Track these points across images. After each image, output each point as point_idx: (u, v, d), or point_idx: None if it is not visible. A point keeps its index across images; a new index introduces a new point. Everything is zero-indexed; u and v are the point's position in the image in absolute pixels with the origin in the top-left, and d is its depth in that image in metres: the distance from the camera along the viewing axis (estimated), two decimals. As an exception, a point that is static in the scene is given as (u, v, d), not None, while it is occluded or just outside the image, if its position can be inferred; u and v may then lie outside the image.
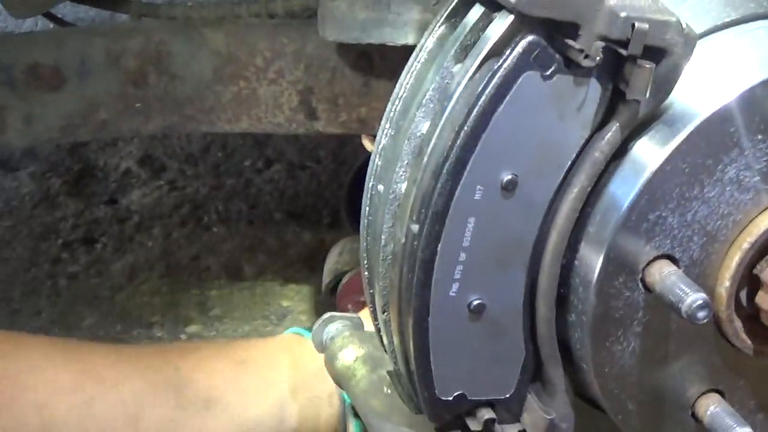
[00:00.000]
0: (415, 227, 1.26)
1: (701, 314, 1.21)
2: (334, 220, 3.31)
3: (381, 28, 1.68)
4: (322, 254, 2.76)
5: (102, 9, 2.52)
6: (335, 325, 1.52)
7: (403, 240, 1.29)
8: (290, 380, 1.99)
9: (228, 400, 1.96)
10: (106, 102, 2.35)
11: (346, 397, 1.79)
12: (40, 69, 2.34)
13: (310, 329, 1.71)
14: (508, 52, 1.21)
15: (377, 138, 1.35)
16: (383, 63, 2.01)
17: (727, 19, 1.34)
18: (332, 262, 2.69)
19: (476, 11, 1.28)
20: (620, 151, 1.27)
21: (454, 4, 1.31)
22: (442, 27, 1.32)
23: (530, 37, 1.21)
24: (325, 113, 2.16)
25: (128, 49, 2.33)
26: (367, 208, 1.37)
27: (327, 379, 1.76)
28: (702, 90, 1.27)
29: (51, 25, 2.55)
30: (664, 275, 1.26)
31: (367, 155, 1.40)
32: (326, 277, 2.67)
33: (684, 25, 1.19)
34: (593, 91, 1.23)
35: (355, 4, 1.72)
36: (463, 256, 1.26)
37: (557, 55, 1.21)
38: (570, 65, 1.22)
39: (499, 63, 1.22)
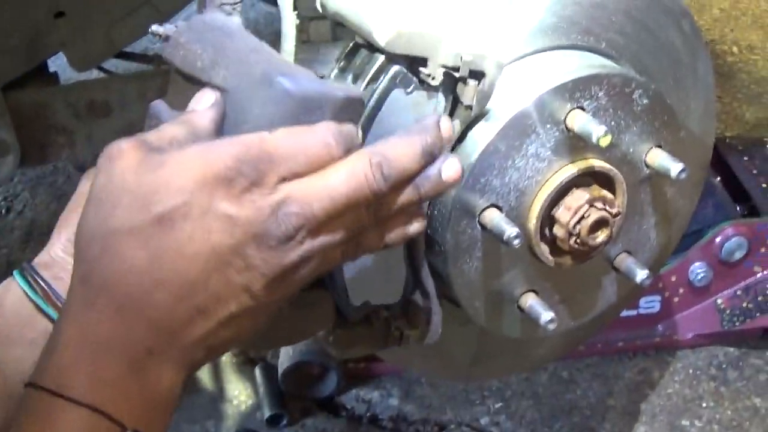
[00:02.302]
0: None
1: (515, 242, 1.25)
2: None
3: (312, 65, 1.67)
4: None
5: (134, 62, 2.54)
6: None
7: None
8: None
9: None
10: (139, 122, 2.35)
11: None
12: (95, 104, 2.35)
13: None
14: (381, 77, 1.23)
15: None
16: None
17: (534, 48, 1.36)
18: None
19: (363, 52, 1.29)
20: (461, 138, 1.29)
21: (349, 48, 1.31)
22: (342, 62, 1.32)
23: (395, 68, 1.22)
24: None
25: (151, 86, 2.35)
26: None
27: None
28: (512, 96, 1.29)
29: (98, 74, 2.55)
30: (492, 218, 1.29)
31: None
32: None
33: (496, 57, 1.21)
34: (440, 100, 1.24)
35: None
36: None
37: (414, 78, 1.23)
38: (423, 84, 1.23)
39: (377, 85, 1.23)
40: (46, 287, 1.17)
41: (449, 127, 1.10)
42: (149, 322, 0.96)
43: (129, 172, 0.98)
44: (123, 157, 0.99)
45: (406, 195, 1.06)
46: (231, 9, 1.24)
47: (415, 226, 1.11)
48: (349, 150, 1.03)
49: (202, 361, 1.02)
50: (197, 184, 0.96)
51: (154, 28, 1.21)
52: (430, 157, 1.07)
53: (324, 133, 1.02)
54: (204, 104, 1.07)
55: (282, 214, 0.98)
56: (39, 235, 3.11)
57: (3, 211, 3.29)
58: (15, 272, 1.20)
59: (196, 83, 1.10)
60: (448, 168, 1.08)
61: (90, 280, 0.97)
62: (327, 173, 1.01)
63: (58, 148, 2.37)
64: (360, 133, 1.09)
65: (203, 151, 0.99)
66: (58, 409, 0.93)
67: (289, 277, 1.01)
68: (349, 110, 1.08)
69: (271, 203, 0.98)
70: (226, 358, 2.58)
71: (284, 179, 0.99)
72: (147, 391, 0.96)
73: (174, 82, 1.15)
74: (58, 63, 2.49)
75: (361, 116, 1.12)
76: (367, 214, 1.04)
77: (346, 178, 1.01)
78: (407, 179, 1.06)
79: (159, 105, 1.14)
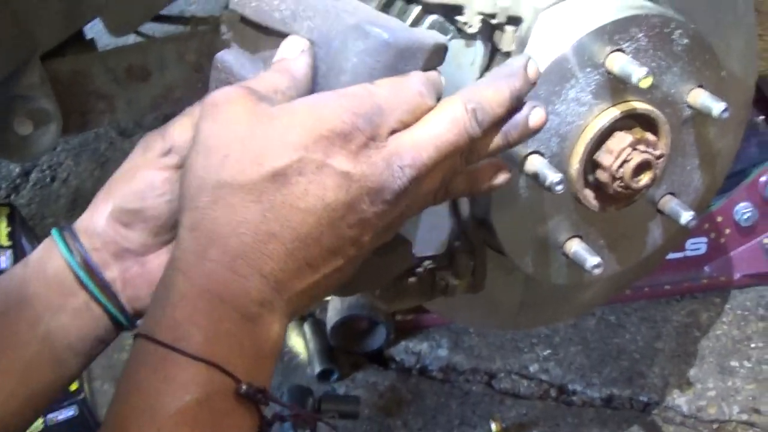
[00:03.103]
0: None
1: (558, 187, 1.24)
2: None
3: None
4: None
5: (171, 24, 2.53)
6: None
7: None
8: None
9: None
10: (178, 85, 2.37)
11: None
12: (134, 68, 2.35)
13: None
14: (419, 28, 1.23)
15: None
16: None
17: None
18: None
19: (399, 3, 1.28)
20: None
21: (384, 0, 1.30)
22: None
23: (432, 17, 1.22)
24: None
25: (189, 48, 2.34)
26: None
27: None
28: (550, 41, 1.28)
29: (135, 39, 2.55)
30: (535, 164, 1.28)
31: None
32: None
33: (532, 2, 1.20)
34: (478, 48, 1.24)
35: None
36: None
37: (452, 27, 1.23)
38: (461, 33, 1.23)
39: None
40: (86, 258, 1.17)
41: (536, 70, 1.10)
42: (262, 274, 0.96)
43: (239, 122, 0.98)
44: (231, 103, 0.99)
45: (496, 141, 1.08)
46: None
47: (502, 178, 1.13)
48: (438, 97, 1.05)
49: (303, 309, 1.03)
50: (312, 139, 0.97)
51: None
52: (517, 102, 1.08)
53: (417, 83, 1.04)
54: (294, 51, 1.07)
55: (397, 168, 0.99)
56: (84, 203, 3.08)
57: (48, 179, 3.31)
58: (55, 234, 1.20)
59: (273, 35, 1.10)
60: (535, 116, 1.09)
61: (200, 228, 0.97)
62: (430, 122, 1.02)
63: (98, 115, 2.38)
64: (443, 78, 1.10)
65: (316, 105, 1.00)
66: (174, 364, 0.93)
67: (395, 224, 1.05)
68: (437, 56, 1.09)
69: (385, 157, 0.99)
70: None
71: (394, 131, 1.01)
72: (258, 343, 0.97)
73: (241, 34, 1.14)
74: (94, 29, 2.50)
75: (443, 60, 1.12)
76: (460, 160, 1.06)
77: (448, 125, 1.02)
78: (498, 124, 1.07)
79: (228, 56, 1.13)
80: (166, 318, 0.96)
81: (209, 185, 0.97)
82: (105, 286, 1.17)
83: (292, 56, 1.07)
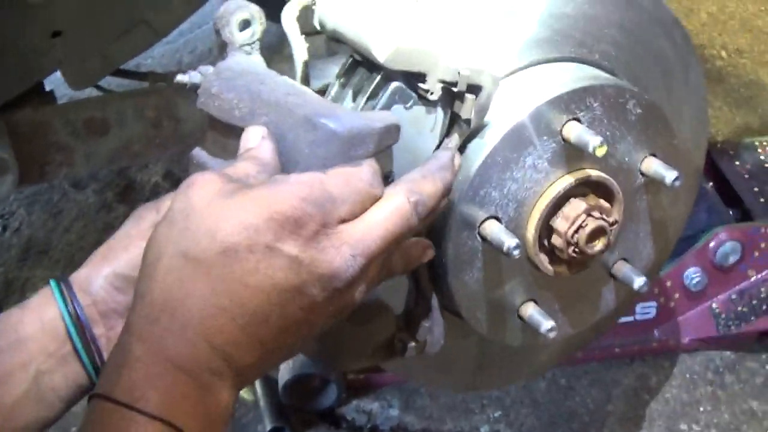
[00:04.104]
0: None
1: (515, 252, 1.27)
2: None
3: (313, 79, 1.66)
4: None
5: (130, 79, 2.54)
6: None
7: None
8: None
9: None
10: (137, 140, 2.38)
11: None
12: (93, 121, 2.36)
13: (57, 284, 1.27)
14: (381, 93, 1.25)
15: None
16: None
17: (529, 61, 1.38)
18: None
19: (362, 69, 1.31)
20: (460, 151, 1.29)
21: (348, 64, 1.34)
22: (342, 78, 1.34)
23: (394, 84, 1.24)
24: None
25: (149, 104, 2.36)
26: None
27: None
28: (509, 109, 1.31)
29: (92, 92, 2.56)
30: (492, 229, 1.31)
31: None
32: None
33: (492, 71, 1.23)
34: (439, 114, 1.26)
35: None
36: None
37: (413, 94, 1.25)
38: (422, 99, 1.25)
39: (377, 101, 1.26)
40: (78, 313, 1.24)
41: (459, 163, 1.22)
42: (212, 346, 1.01)
43: (203, 200, 1.04)
44: (203, 184, 1.05)
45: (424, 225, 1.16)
46: (250, 49, 1.30)
47: (430, 254, 1.23)
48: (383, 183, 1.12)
49: (252, 380, 1.09)
50: (263, 221, 1.01)
51: (180, 77, 1.27)
52: (448, 193, 1.17)
53: (367, 175, 1.09)
54: (255, 140, 1.14)
55: (349, 257, 1.05)
56: (36, 253, 3.12)
57: (0, 229, 3.30)
58: (53, 285, 1.26)
59: (236, 132, 1.16)
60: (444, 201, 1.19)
61: (152, 296, 1.02)
62: (378, 213, 1.09)
63: (56, 167, 2.38)
64: (392, 161, 1.18)
65: (270, 189, 1.04)
66: (133, 423, 0.97)
67: (346, 308, 1.09)
68: (389, 137, 1.16)
69: (335, 245, 1.05)
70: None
71: (344, 220, 1.06)
72: (210, 408, 1.01)
73: (212, 131, 1.20)
74: (53, 81, 2.51)
75: (397, 139, 1.18)
76: (397, 245, 1.12)
77: (393, 218, 1.09)
78: (432, 214, 1.14)
79: (201, 154, 1.20)
80: (123, 379, 1.00)
81: (166, 255, 1.03)
82: (92, 341, 1.24)
83: (255, 144, 1.13)
